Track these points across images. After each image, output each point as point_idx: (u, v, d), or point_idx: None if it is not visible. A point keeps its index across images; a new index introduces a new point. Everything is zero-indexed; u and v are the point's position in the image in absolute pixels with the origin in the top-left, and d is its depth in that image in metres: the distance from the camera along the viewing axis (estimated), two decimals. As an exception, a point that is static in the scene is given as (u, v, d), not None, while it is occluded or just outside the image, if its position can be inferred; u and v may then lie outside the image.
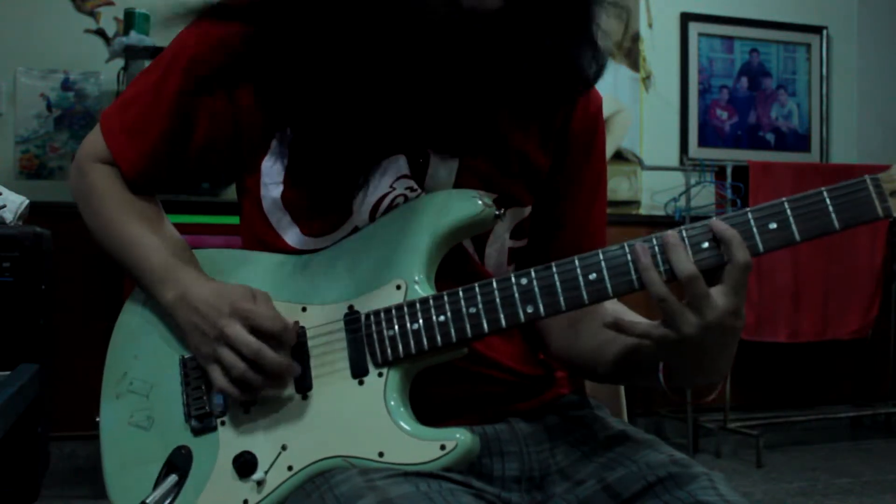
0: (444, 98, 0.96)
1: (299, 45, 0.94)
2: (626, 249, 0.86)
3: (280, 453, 0.91)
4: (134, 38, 3.13)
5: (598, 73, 1.01)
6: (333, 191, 0.97)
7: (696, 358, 0.87)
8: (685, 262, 0.83)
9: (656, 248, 0.85)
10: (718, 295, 0.83)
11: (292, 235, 1.00)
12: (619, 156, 4.02)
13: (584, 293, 0.86)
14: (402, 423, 0.88)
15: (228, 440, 0.94)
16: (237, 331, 0.90)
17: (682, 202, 3.95)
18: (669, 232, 0.85)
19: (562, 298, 0.87)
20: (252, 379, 0.91)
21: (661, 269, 0.84)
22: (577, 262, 0.87)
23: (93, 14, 3.43)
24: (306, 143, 0.96)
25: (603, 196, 1.14)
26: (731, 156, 4.12)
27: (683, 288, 0.83)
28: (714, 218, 0.85)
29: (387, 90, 0.93)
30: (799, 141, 4.34)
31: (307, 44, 0.93)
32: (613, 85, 3.98)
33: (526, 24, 0.94)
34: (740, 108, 4.26)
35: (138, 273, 1.02)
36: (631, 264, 0.85)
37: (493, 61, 0.95)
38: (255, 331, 0.91)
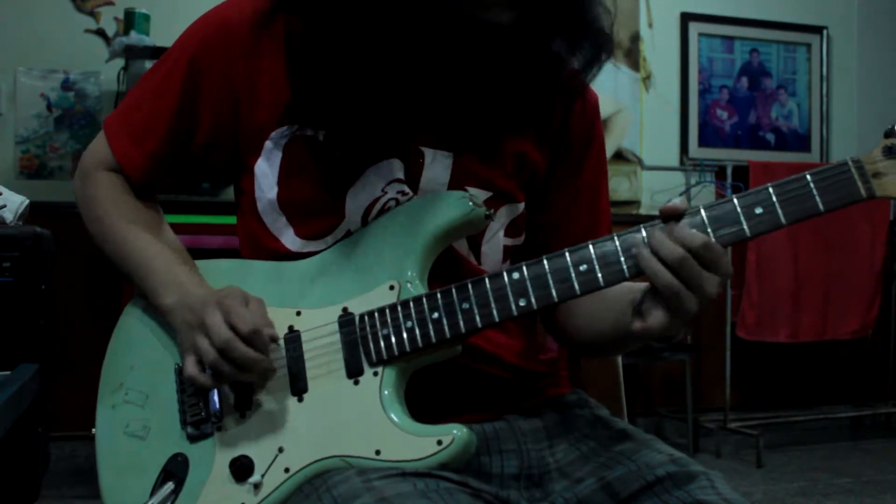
0: (442, 95, 0.97)
1: (312, 40, 0.94)
2: (616, 241, 0.87)
3: (276, 456, 0.91)
4: (134, 38, 3.13)
5: (596, 71, 1.02)
6: (329, 186, 0.97)
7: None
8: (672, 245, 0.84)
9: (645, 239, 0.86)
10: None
11: (288, 237, 1.00)
12: (619, 156, 4.02)
13: (576, 284, 0.87)
14: (398, 421, 0.88)
15: (224, 445, 0.94)
16: (214, 320, 0.91)
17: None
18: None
19: (553, 290, 0.88)
20: (222, 369, 0.91)
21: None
22: (567, 255, 0.88)
23: (93, 14, 3.43)
24: (312, 139, 0.97)
25: (605, 194, 1.14)
26: (731, 156, 4.12)
27: (677, 271, 0.83)
28: (679, 224, 0.85)
29: (390, 88, 0.94)
30: (799, 141, 4.34)
31: (319, 40, 0.94)
32: (613, 85, 3.97)
33: (529, 30, 0.95)
34: (740, 108, 4.26)
35: (139, 279, 1.02)
36: (621, 254, 0.86)
37: (492, 65, 0.96)
38: (232, 327, 0.91)
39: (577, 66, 1.01)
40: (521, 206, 1.06)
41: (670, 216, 0.86)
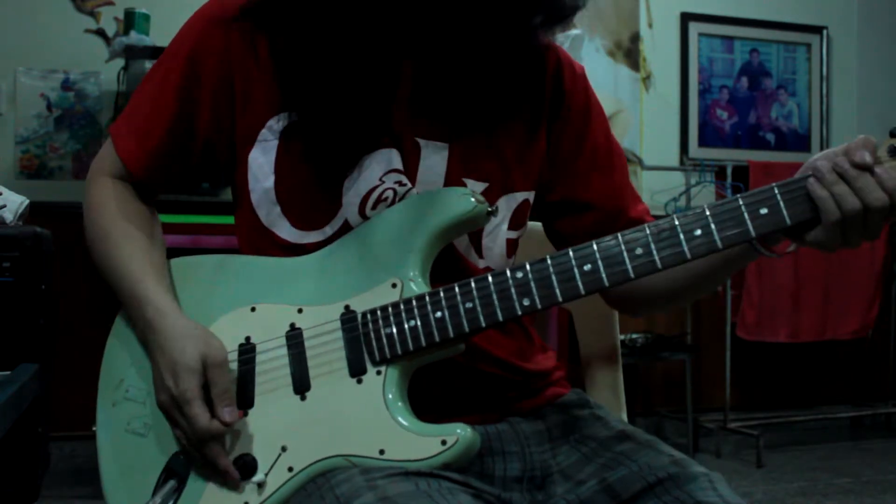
0: (429, 83, 0.98)
1: (299, 24, 0.95)
2: (620, 239, 0.87)
3: (280, 454, 0.91)
4: (134, 38, 3.13)
5: (559, 30, 1.02)
6: (325, 174, 0.97)
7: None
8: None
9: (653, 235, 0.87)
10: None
11: (284, 229, 1.00)
12: (619, 156, 4.02)
13: (580, 284, 0.87)
14: (402, 420, 0.88)
15: (228, 443, 0.94)
16: (177, 423, 0.94)
17: (682, 202, 3.94)
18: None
19: (557, 290, 0.88)
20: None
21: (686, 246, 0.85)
22: (571, 254, 0.88)
23: (93, 14, 3.43)
24: (305, 125, 0.97)
25: (620, 164, 1.13)
26: (731, 156, 4.12)
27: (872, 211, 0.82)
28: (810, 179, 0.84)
29: (368, 72, 0.95)
30: (799, 141, 4.34)
31: (307, 25, 0.95)
32: (613, 85, 3.97)
33: (504, 9, 0.96)
34: (740, 108, 4.26)
35: (116, 294, 1.04)
36: (625, 253, 0.86)
37: (473, 48, 0.97)
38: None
39: (539, 26, 1.01)
40: (521, 195, 1.06)
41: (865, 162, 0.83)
